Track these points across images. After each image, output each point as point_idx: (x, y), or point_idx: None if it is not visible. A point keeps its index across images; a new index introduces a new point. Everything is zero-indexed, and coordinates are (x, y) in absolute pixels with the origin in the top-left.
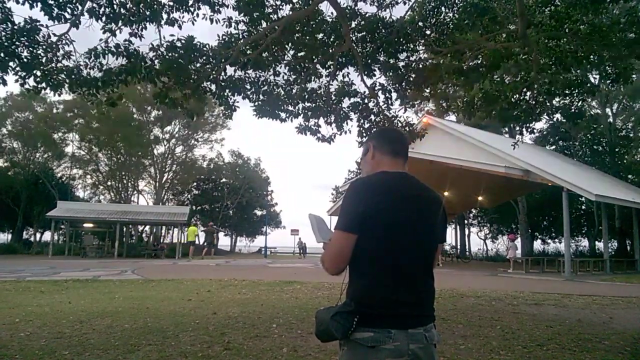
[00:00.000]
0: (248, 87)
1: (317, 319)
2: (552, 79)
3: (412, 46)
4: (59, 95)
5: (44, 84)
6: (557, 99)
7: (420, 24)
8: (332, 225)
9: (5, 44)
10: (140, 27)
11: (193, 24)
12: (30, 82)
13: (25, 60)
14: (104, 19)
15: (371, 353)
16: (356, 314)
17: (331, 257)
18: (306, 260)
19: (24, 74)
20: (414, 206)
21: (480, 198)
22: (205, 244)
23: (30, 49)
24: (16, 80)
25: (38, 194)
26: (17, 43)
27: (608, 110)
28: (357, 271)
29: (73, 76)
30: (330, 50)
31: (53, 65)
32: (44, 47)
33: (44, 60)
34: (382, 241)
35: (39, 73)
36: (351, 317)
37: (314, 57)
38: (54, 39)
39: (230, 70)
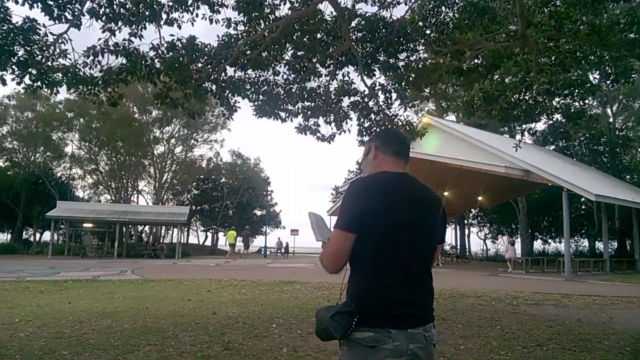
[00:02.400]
0: (248, 87)
1: (317, 317)
2: (551, 79)
3: (412, 46)
4: (56, 94)
5: (39, 83)
6: (557, 99)
7: (420, 23)
8: (331, 224)
9: (2, 42)
10: (140, 27)
11: (192, 24)
12: (26, 80)
13: (21, 58)
14: (104, 18)
15: (371, 353)
16: (356, 314)
17: (329, 256)
18: (301, 260)
19: (20, 72)
20: (414, 206)
21: (480, 198)
22: (243, 245)
23: (27, 47)
24: (13, 79)
25: (38, 194)
26: (13, 42)
27: (608, 110)
28: (357, 271)
29: (69, 75)
30: (330, 50)
31: (49, 63)
32: (40, 45)
33: (39, 59)
34: (382, 241)
35: (34, 71)
36: (351, 317)
37: (313, 56)
38: (51, 38)
39: (230, 70)
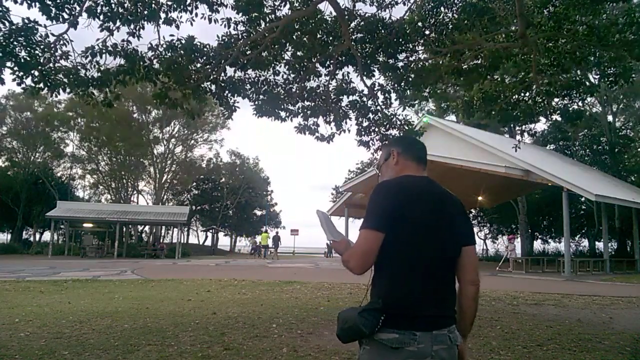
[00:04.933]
0: (248, 87)
1: (340, 318)
2: (551, 79)
3: (411, 46)
4: (57, 96)
5: (41, 84)
6: (556, 100)
7: (420, 24)
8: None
9: (3, 43)
10: (139, 26)
11: (191, 24)
12: (28, 82)
13: (22, 60)
14: (101, 17)
15: (393, 354)
16: (383, 312)
17: (359, 257)
18: (301, 260)
19: (22, 73)
20: (438, 208)
21: (480, 198)
22: (273, 247)
23: (28, 48)
24: (14, 80)
25: (38, 193)
26: (14, 43)
27: (608, 110)
28: (382, 271)
29: (71, 76)
30: (330, 50)
31: (51, 65)
32: (42, 47)
33: (42, 60)
34: (408, 242)
35: (36, 73)
36: (378, 315)
37: (312, 56)
38: (52, 39)
39: (230, 70)
